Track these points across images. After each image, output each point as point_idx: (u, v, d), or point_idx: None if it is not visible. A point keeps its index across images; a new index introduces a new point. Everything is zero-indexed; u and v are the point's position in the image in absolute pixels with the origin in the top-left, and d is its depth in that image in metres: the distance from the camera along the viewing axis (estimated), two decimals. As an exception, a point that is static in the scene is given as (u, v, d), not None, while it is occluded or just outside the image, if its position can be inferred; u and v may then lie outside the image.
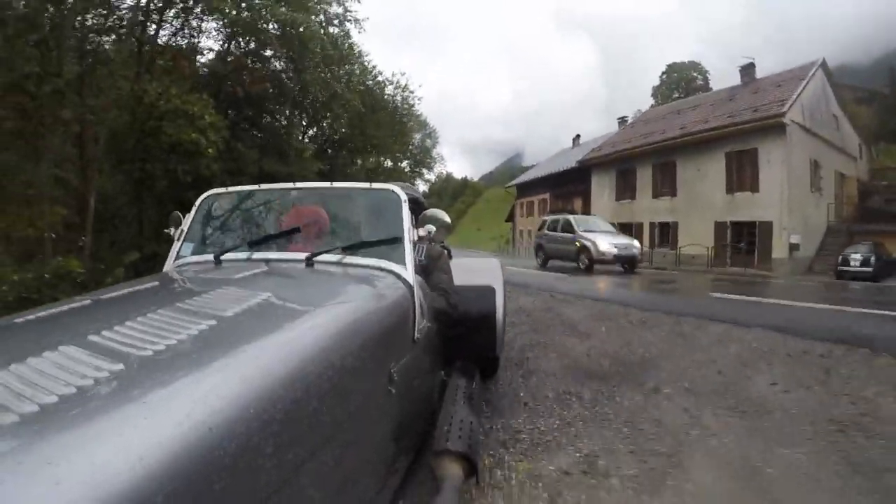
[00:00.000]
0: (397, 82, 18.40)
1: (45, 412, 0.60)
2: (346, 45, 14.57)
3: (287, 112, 15.01)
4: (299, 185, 2.11)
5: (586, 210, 25.35)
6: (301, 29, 11.47)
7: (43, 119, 7.58)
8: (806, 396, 2.74)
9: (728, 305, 6.33)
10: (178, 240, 1.91)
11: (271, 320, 1.09)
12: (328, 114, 15.42)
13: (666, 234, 18.96)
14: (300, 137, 16.06)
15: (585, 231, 12.49)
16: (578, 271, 11.61)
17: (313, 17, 12.76)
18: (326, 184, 2.08)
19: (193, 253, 1.88)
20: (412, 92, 18.80)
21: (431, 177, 33.76)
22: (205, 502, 0.59)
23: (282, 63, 13.31)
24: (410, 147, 22.80)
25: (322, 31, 12.50)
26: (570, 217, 13.73)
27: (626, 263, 11.84)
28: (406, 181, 22.63)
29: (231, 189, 2.10)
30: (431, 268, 2.13)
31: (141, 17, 9.85)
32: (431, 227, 1.73)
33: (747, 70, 20.36)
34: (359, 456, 1.06)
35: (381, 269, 1.62)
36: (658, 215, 19.06)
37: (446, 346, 2.11)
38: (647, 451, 2.01)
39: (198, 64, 12.62)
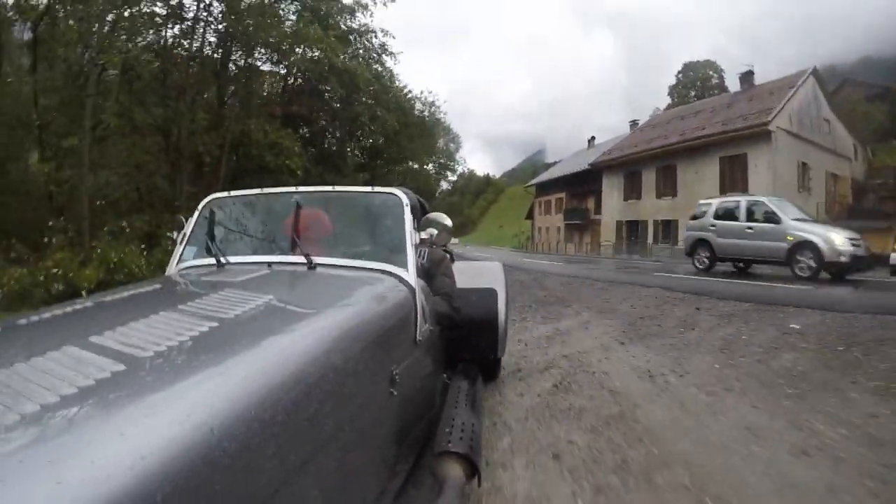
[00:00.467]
0: (425, 99, 21.24)
1: (47, 412, 0.61)
2: (387, 76, 17.47)
3: (338, 133, 17.94)
4: (301, 189, 2.10)
5: (598, 210, 27.65)
6: (355, 72, 14.26)
7: (182, 151, 10.57)
8: (638, 307, 5.44)
9: (661, 279, 8.80)
10: (181, 243, 1.93)
11: (273, 323, 1.10)
12: (370, 131, 18.26)
13: (668, 230, 21.02)
14: (349, 152, 18.98)
15: (798, 220, 8.81)
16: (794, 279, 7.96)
17: (360, 56, 15.62)
18: (328, 188, 2.09)
19: (196, 257, 1.90)
20: (438, 107, 21.70)
21: (454, 177, 37.13)
22: (206, 501, 0.59)
23: (336, 96, 16.15)
24: (436, 152, 25.73)
25: (369, 72, 15.37)
26: (766, 199, 9.56)
27: (851, 267, 8.05)
28: (431, 183, 25.65)
29: (234, 193, 2.10)
30: (434, 271, 2.15)
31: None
32: (433, 231, 1.74)
33: (746, 77, 22.29)
34: (360, 458, 1.06)
35: (383, 273, 1.63)
36: (661, 214, 21.12)
37: (448, 349, 2.12)
38: (553, 318, 4.81)
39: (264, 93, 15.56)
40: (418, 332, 1.53)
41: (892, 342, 3.52)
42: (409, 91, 21.32)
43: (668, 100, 45.09)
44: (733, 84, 29.22)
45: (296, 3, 13.74)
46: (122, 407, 0.63)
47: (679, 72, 46.81)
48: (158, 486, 0.52)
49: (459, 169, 36.93)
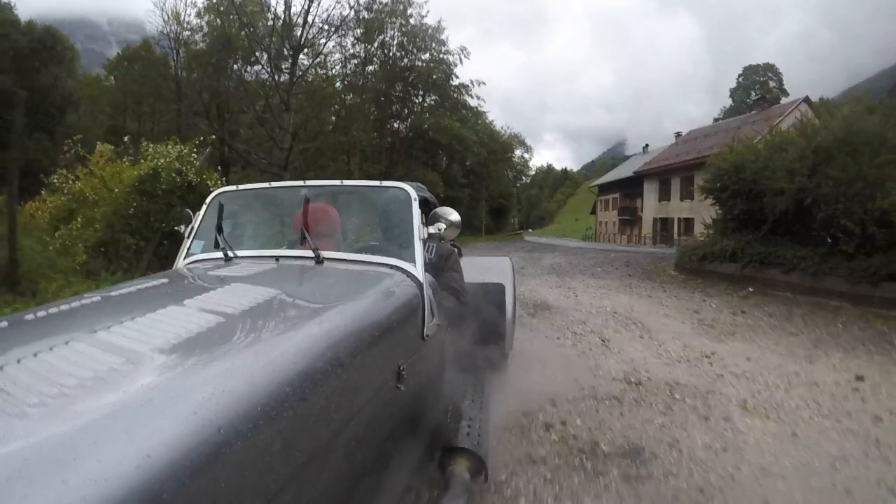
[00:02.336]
0: (505, 126, 30.88)
1: (53, 409, 0.61)
2: (479, 124, 26.89)
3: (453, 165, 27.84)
4: (309, 182, 2.06)
5: (642, 209, 34.68)
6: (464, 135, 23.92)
7: (355, 144, 20.75)
8: (578, 262, 13.53)
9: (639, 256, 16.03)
10: (189, 237, 1.92)
11: (280, 317, 1.10)
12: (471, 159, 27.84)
13: (689, 226, 27.97)
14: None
15: None
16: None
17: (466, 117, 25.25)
18: (337, 182, 2.05)
19: (203, 250, 1.89)
20: (516, 134, 30.84)
21: (528, 180, 46.98)
22: (212, 501, 0.59)
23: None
24: (512, 165, 35.15)
25: (473, 132, 24.94)
26: None
27: None
28: (510, 186, 35.83)
29: (241, 187, 2.08)
30: (441, 266, 2.13)
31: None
32: (441, 226, 1.73)
33: (758, 103, 28.27)
34: (367, 453, 1.06)
35: (391, 267, 1.62)
36: (683, 213, 27.82)
37: (456, 344, 2.08)
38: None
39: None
40: (426, 327, 1.51)
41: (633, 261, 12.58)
42: (493, 121, 30.60)
43: (730, 101, 49.00)
44: (795, 84, 34.59)
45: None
46: (128, 405, 0.63)
47: (740, 75, 50.22)
48: (164, 484, 0.52)
49: (532, 172, 46.71)
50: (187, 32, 22.64)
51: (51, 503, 0.47)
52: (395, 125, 24.18)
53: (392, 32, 23.26)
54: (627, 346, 4.10)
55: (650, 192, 32.41)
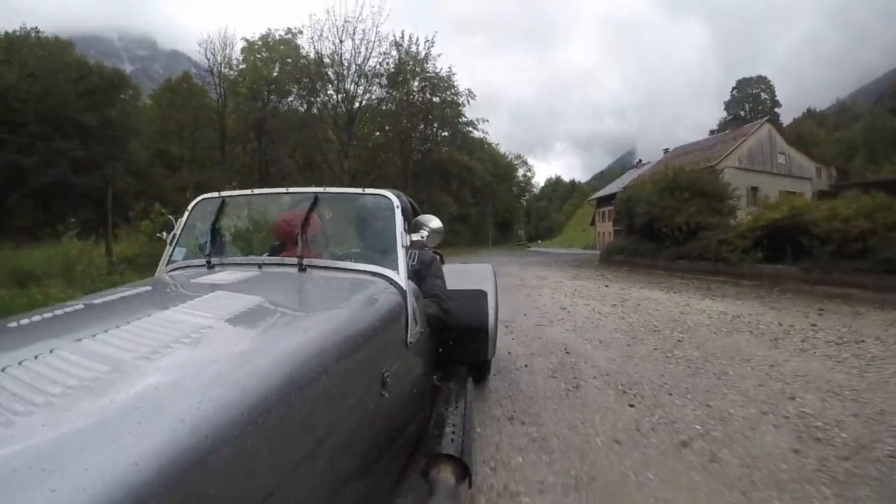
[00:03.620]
0: (512, 156, 36.14)
1: (39, 417, 0.61)
2: (485, 151, 32.05)
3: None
4: (292, 189, 2.09)
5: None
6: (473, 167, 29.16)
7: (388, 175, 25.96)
8: (544, 260, 19.51)
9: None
10: (171, 244, 1.91)
11: (264, 325, 1.11)
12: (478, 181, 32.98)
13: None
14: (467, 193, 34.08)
15: None
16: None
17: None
18: (319, 189, 2.04)
19: (186, 257, 1.88)
20: (519, 155, 36.06)
21: (533, 195, 52.91)
22: None
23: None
24: (515, 183, 40.40)
25: (481, 164, 30.15)
26: None
27: None
28: (513, 202, 41.23)
29: (224, 193, 2.06)
30: (424, 273, 2.14)
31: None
32: (424, 233, 1.74)
33: (730, 122, 32.52)
34: (352, 459, 1.07)
35: (374, 274, 1.62)
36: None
37: (439, 351, 2.11)
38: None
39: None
40: (409, 334, 1.52)
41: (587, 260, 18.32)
42: (498, 144, 35.81)
43: (724, 114, 52.50)
44: (790, 95, 38.81)
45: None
46: (115, 413, 0.63)
47: (734, 88, 53.81)
48: (152, 491, 0.53)
49: (541, 185, 52.47)
50: (232, 72, 26.85)
51: None
52: (417, 157, 29.48)
53: (415, 82, 28.94)
54: (547, 289, 8.59)
55: (735, 194, 37.01)
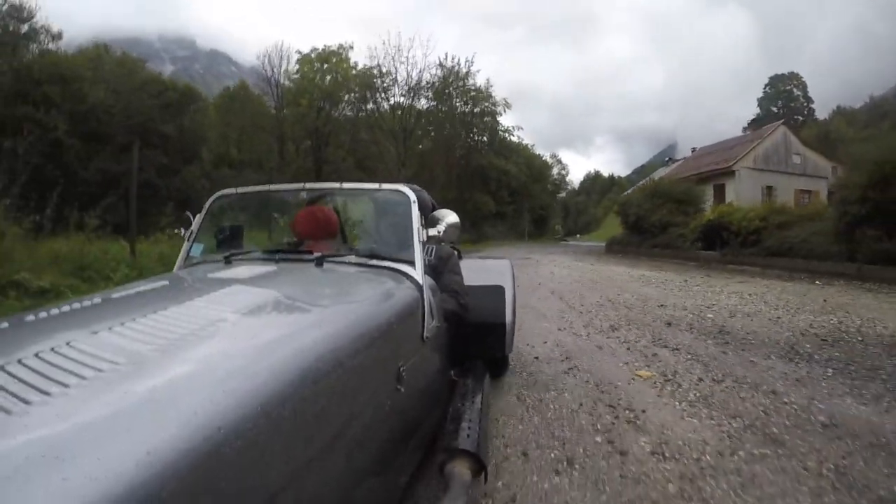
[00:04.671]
0: (550, 155, 40.32)
1: (53, 407, 0.62)
2: (520, 153, 36.03)
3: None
4: (309, 185, 2.10)
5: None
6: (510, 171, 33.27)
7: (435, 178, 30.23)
8: (563, 250, 23.13)
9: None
10: (189, 240, 1.93)
11: (281, 319, 1.12)
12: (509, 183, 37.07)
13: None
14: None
15: None
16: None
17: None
18: (336, 184, 2.06)
19: (204, 253, 1.91)
20: (554, 154, 40.07)
21: (569, 191, 56.46)
22: (212, 500, 0.60)
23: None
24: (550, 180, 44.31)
25: (511, 162, 34.11)
26: None
27: None
28: (551, 201, 45.37)
29: (241, 189, 2.08)
30: (441, 268, 2.15)
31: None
32: (441, 228, 1.75)
33: (752, 125, 34.79)
34: (367, 454, 1.07)
35: (391, 269, 1.64)
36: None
37: (455, 346, 2.10)
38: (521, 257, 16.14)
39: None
40: (425, 329, 1.53)
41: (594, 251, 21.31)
42: (533, 146, 39.66)
43: (757, 111, 53.42)
44: (823, 93, 38.95)
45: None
46: (129, 404, 0.64)
47: (766, 84, 54.48)
48: (164, 483, 0.53)
49: (580, 180, 56.41)
50: (289, 83, 29.63)
51: (51, 501, 0.47)
52: (461, 162, 33.88)
53: (457, 99, 33.51)
54: (550, 265, 11.83)
55: (705, 197, 39.52)
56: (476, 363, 2.21)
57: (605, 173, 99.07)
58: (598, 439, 2.09)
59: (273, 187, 2.16)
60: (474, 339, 2.24)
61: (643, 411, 2.39)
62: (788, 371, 3.04)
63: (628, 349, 3.67)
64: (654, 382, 2.87)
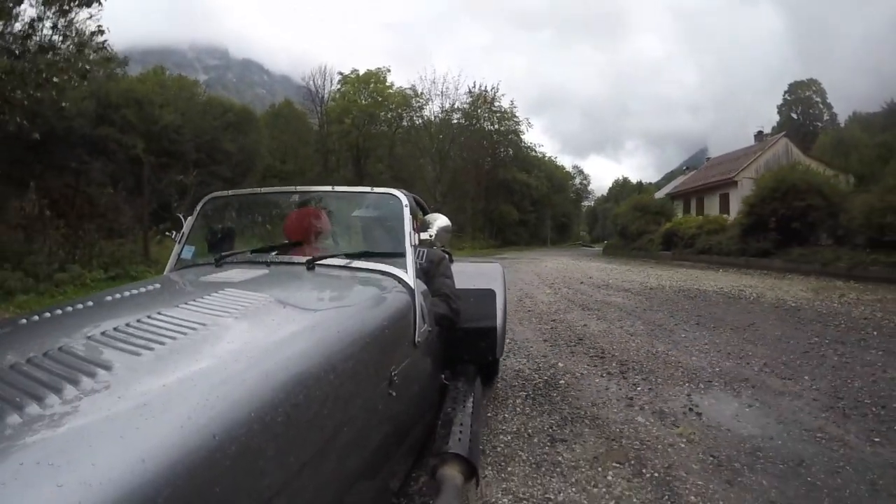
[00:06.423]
0: (571, 169, 44.03)
1: (47, 413, 0.61)
2: (543, 165, 40.14)
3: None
4: (300, 188, 2.10)
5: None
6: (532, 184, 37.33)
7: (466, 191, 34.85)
8: (569, 253, 27.33)
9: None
10: (180, 243, 1.92)
11: (273, 323, 1.11)
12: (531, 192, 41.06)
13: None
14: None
15: None
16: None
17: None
18: (328, 188, 2.07)
19: (195, 256, 1.90)
20: (576, 166, 44.19)
21: (595, 199, 60.51)
22: None
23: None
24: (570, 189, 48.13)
25: (533, 177, 38.20)
26: None
27: None
28: (573, 209, 49.28)
29: (233, 192, 2.08)
30: (433, 272, 2.13)
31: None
32: (433, 231, 1.75)
33: (758, 136, 37.50)
34: (359, 458, 1.07)
35: (383, 273, 1.63)
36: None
37: (447, 350, 2.11)
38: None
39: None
40: (417, 333, 1.52)
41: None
42: (556, 157, 43.76)
43: (777, 118, 54.73)
44: (843, 98, 38.86)
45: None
46: (123, 409, 0.63)
47: (786, 91, 55.51)
48: (159, 488, 0.53)
49: (606, 188, 60.67)
50: (332, 102, 33.06)
51: None
52: (489, 176, 38.22)
53: (486, 122, 38.13)
54: (550, 262, 15.70)
55: (677, 209, 42.49)
56: (467, 367, 2.20)
57: (635, 179, 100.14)
58: (524, 302, 6.69)
59: (265, 190, 2.17)
60: (465, 343, 2.21)
61: (536, 297, 7.18)
62: (612, 293, 7.37)
63: (554, 290, 8.03)
64: (548, 292, 7.71)
